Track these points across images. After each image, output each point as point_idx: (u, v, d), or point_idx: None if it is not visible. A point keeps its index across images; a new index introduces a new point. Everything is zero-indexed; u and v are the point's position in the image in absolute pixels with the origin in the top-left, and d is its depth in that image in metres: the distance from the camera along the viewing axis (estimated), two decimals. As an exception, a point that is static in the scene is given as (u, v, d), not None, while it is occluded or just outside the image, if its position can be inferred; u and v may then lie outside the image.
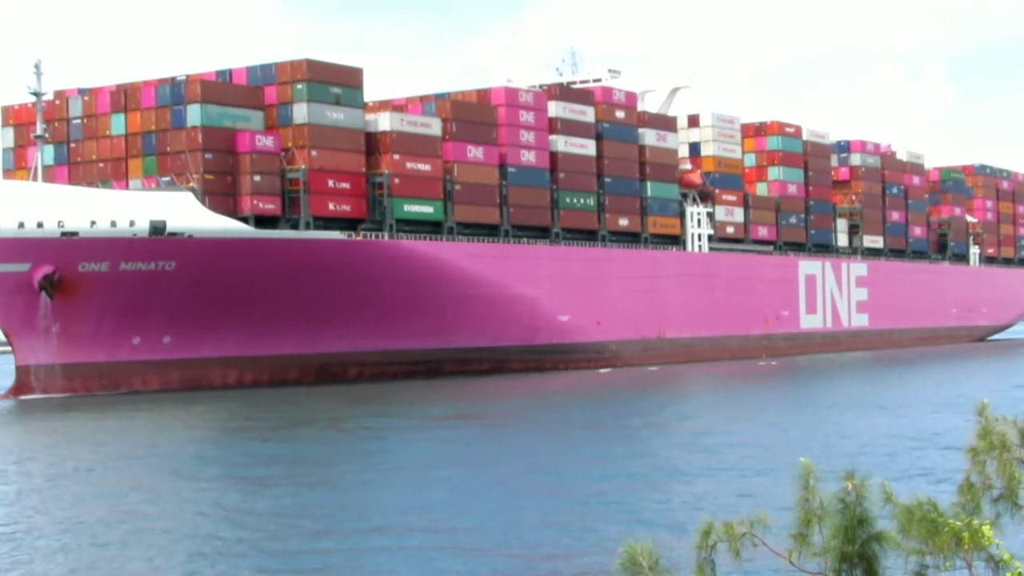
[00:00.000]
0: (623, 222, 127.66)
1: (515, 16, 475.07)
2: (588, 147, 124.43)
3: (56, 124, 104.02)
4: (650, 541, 8.77)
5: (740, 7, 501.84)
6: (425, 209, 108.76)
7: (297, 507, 39.45)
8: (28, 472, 51.17)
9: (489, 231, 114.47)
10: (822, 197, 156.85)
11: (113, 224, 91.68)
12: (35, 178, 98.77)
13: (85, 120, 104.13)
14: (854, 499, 9.15)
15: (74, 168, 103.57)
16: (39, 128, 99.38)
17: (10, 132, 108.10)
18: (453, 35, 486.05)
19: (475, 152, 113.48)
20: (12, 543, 34.59)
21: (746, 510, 9.48)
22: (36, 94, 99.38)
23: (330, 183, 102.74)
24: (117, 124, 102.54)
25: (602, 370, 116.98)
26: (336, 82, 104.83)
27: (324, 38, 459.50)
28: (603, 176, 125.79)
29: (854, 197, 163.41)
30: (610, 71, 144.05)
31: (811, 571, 9.13)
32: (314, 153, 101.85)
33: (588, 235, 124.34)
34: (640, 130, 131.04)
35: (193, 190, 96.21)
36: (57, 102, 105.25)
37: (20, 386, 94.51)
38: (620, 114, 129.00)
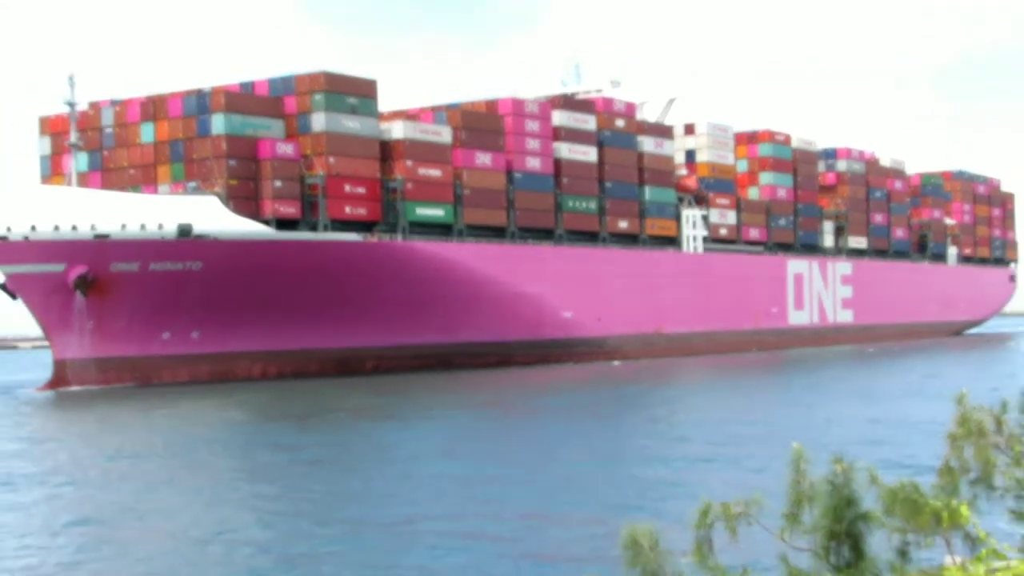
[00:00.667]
0: (623, 224, 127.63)
1: (530, 31, 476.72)
2: (590, 154, 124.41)
3: (90, 133, 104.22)
4: (650, 523, 8.85)
5: (734, 23, 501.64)
6: (436, 212, 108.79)
7: (339, 493, 39.39)
8: (82, 459, 50.81)
9: (496, 233, 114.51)
10: (810, 201, 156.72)
11: (143, 227, 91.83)
12: (70, 184, 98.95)
13: (117, 129, 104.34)
14: (842, 481, 9.21)
15: (106, 174, 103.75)
16: (73, 137, 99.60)
17: (47, 141, 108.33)
18: (474, 47, 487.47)
19: (483, 159, 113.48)
20: (82, 535, 34.41)
21: (741, 491, 9.57)
22: (70, 105, 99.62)
23: (346, 188, 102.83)
24: (146, 133, 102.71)
25: (615, 362, 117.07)
26: (352, 93, 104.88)
27: (352, 50, 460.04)
28: (604, 181, 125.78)
29: (840, 201, 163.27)
30: (611, 82, 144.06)
31: (802, 548, 9.19)
32: (331, 160, 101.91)
33: (590, 237, 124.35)
34: (639, 138, 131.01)
35: (218, 195, 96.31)
36: (91, 112, 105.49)
37: (57, 379, 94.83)
38: (620, 123, 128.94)
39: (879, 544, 9.39)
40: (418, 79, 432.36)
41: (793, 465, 9.43)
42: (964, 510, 9.79)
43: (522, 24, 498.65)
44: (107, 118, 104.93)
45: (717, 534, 9.16)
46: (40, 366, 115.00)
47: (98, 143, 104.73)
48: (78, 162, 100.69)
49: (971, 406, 10.66)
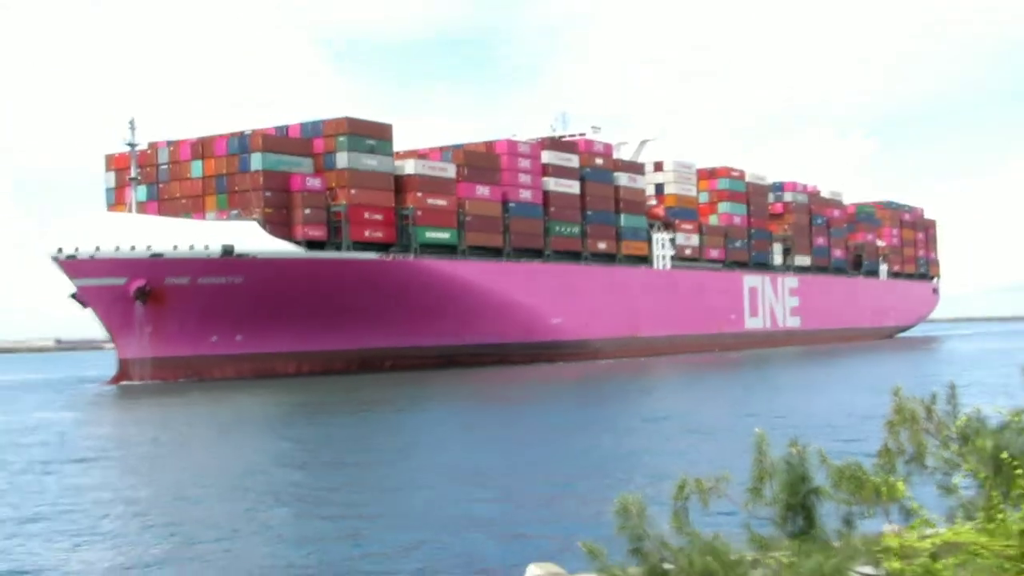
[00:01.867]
0: (602, 245, 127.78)
1: (530, 85, 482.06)
2: (574, 187, 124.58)
3: (148, 169, 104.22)
4: (639, 493, 8.89)
5: (699, 77, 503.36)
6: (443, 235, 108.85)
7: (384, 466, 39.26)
8: (180, 441, 50.32)
9: (494, 253, 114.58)
10: (761, 226, 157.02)
11: (192, 247, 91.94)
12: (131, 211, 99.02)
13: (171, 165, 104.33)
14: (797, 461, 9.25)
15: (162, 203, 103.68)
16: (134, 172, 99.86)
17: (112, 175, 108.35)
18: (482, 98, 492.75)
19: (483, 191, 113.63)
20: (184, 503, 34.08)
21: (712, 469, 9.61)
22: (131, 145, 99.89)
23: (366, 215, 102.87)
24: (196, 169, 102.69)
25: (608, 361, 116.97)
26: (371, 135, 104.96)
27: (379, 99, 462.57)
28: (586, 210, 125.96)
29: (787, 226, 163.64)
30: (592, 127, 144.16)
31: (763, 518, 9.23)
32: (353, 192, 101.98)
33: (574, 256, 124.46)
34: (615, 174, 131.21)
35: (256, 220, 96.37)
36: (149, 151, 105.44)
37: (121, 375, 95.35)
38: (599, 161, 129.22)
39: (828, 514, 9.44)
40: (434, 125, 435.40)
41: (756, 447, 9.47)
42: (900, 486, 9.83)
43: (523, 80, 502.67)
44: (163, 156, 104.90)
45: (692, 505, 9.20)
46: (106, 365, 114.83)
47: (155, 177, 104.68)
48: (138, 193, 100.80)
49: (905, 396, 10.71)
